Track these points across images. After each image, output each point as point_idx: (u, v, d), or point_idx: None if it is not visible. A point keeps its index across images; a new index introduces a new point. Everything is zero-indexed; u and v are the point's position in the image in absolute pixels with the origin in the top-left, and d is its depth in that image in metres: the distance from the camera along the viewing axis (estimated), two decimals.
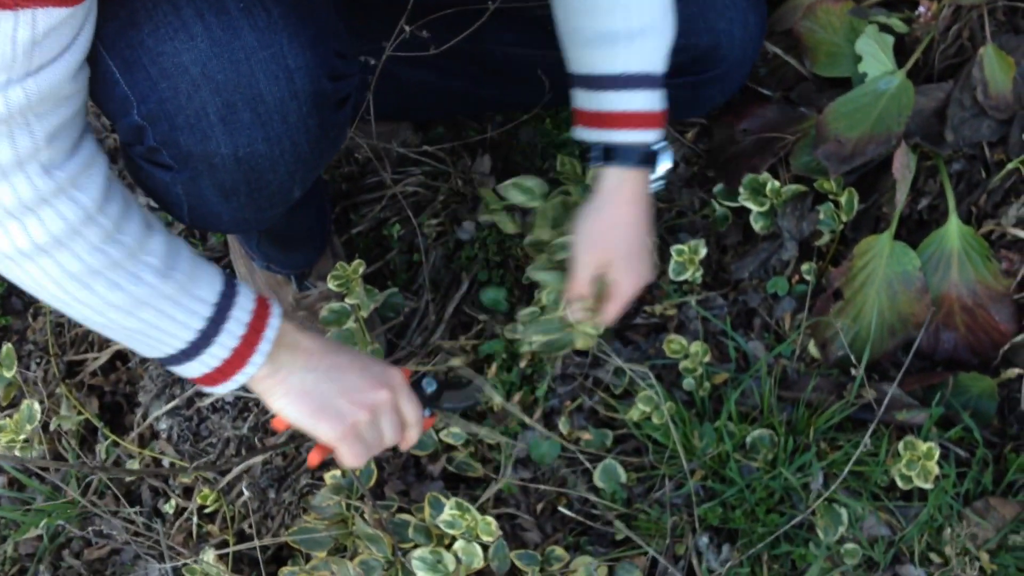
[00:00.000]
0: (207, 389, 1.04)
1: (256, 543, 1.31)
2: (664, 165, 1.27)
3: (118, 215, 0.93)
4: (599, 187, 1.27)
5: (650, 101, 1.24)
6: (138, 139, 0.98)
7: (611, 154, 1.26)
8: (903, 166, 1.30)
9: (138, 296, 0.94)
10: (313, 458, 1.10)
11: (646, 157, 1.25)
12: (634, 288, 1.29)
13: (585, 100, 1.25)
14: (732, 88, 1.46)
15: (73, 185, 0.89)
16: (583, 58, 1.23)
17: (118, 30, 0.94)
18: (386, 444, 1.09)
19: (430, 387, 1.16)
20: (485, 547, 1.25)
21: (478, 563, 1.22)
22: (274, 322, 1.03)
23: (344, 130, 1.13)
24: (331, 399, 1.03)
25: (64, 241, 0.89)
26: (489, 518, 1.21)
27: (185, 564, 1.34)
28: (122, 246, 0.93)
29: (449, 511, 1.22)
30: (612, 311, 1.29)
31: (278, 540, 1.31)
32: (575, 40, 1.24)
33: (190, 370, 1.01)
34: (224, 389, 1.02)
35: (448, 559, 1.22)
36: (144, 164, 1.02)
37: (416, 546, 1.26)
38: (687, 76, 1.37)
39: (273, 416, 1.07)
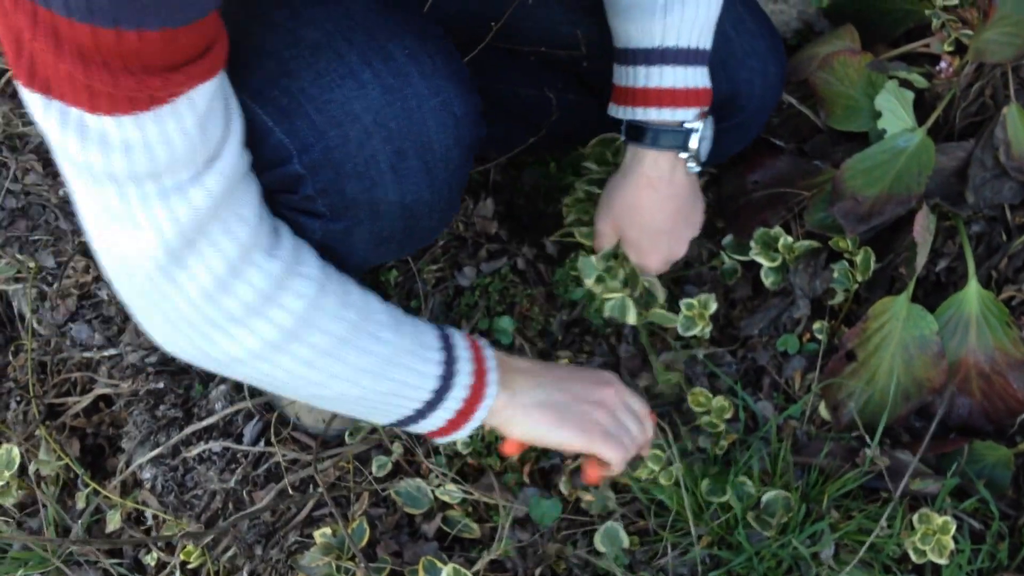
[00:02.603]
0: (446, 439, 1.04)
1: None
2: (693, 143, 1.22)
3: (338, 279, 0.94)
4: (625, 162, 1.27)
5: (684, 77, 1.20)
6: (293, 188, 0.94)
7: (634, 132, 1.24)
8: (924, 229, 1.26)
9: (385, 355, 0.95)
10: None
11: (676, 135, 1.22)
12: (653, 270, 1.33)
13: (617, 75, 1.24)
14: (749, 137, 1.43)
15: (297, 260, 0.89)
16: (616, 29, 1.22)
17: (268, 80, 0.91)
18: (636, 438, 1.12)
19: None
20: None
21: None
22: (488, 351, 1.05)
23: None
24: (569, 407, 1.06)
25: (309, 319, 0.89)
26: None
27: None
28: (355, 308, 0.94)
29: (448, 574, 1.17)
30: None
31: None
32: (610, 10, 1.23)
33: (433, 421, 1.01)
34: (465, 432, 1.03)
35: None
36: (288, 212, 0.98)
37: None
38: None
39: (503, 441, 1.09)
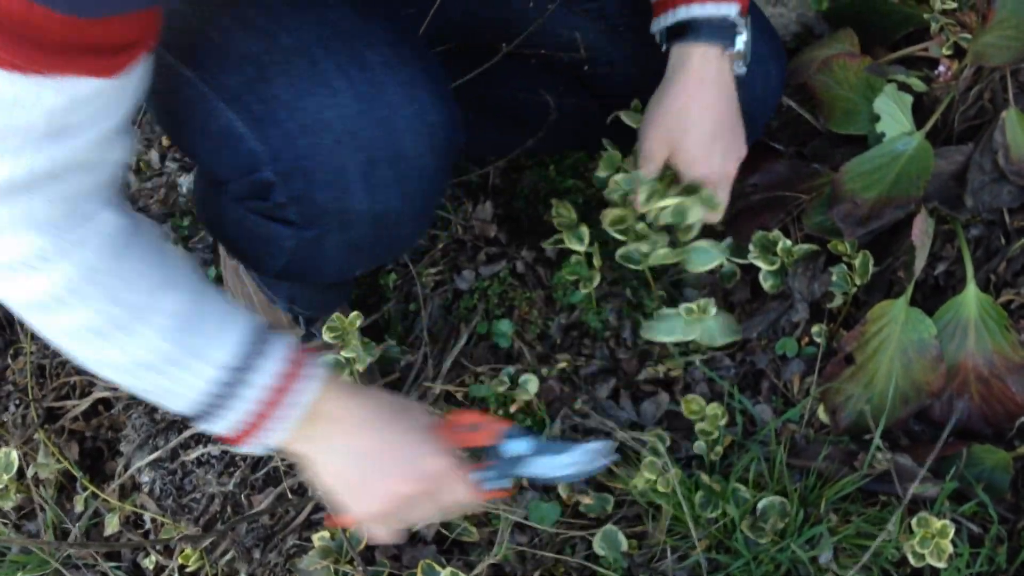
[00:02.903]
0: (232, 448, 0.98)
1: None
2: (742, 37, 1.20)
3: (129, 273, 0.88)
4: (670, 69, 1.20)
5: None
6: (263, 195, 0.94)
7: (681, 31, 1.19)
8: (922, 232, 1.26)
9: (139, 359, 0.89)
10: (330, 522, 1.05)
11: (722, 31, 1.18)
12: (728, 169, 1.23)
13: None
14: (750, 139, 1.42)
15: (81, 244, 0.85)
16: None
17: (244, 85, 0.91)
18: (419, 524, 1.05)
19: (513, 449, 1.03)
20: None
21: None
22: (307, 388, 0.93)
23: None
24: (362, 484, 0.97)
25: (65, 299, 0.85)
26: None
27: None
28: (127, 306, 0.88)
29: None
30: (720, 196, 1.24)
31: None
32: None
33: (212, 427, 0.94)
34: (247, 451, 0.97)
35: None
36: (257, 218, 0.98)
37: None
38: None
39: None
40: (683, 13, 1.18)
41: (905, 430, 1.40)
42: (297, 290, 1.40)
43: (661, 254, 1.33)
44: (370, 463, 0.97)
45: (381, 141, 0.92)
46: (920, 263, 1.28)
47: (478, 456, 1.04)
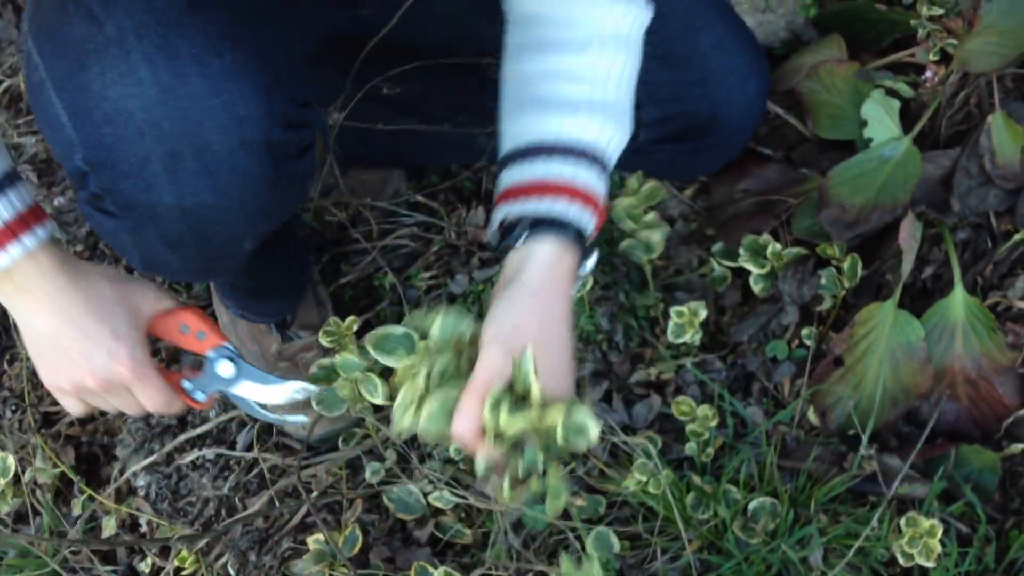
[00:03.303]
0: None
1: None
2: (591, 260, 1.06)
3: None
4: (526, 267, 0.99)
5: (585, 175, 1.03)
6: (82, 184, 0.95)
7: (542, 227, 1.00)
8: (909, 236, 1.28)
9: None
10: None
11: (578, 240, 1.01)
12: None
13: (515, 172, 1.04)
14: (731, 154, 1.43)
15: None
16: (521, 124, 1.07)
17: (68, 71, 0.92)
18: (127, 412, 1.05)
19: (217, 364, 1.05)
20: None
21: None
22: (7, 252, 0.92)
23: (305, 180, 1.09)
24: (44, 361, 1.00)
25: None
26: None
27: None
28: None
29: None
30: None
31: None
32: (517, 110, 1.07)
33: None
34: None
35: None
36: (90, 209, 0.99)
37: None
38: (684, 143, 1.35)
39: None
40: (543, 205, 1.02)
41: (894, 432, 1.41)
42: (240, 299, 1.43)
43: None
44: (51, 346, 0.99)
45: (184, 132, 0.91)
46: (907, 266, 1.29)
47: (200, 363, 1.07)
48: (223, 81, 0.91)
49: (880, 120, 1.37)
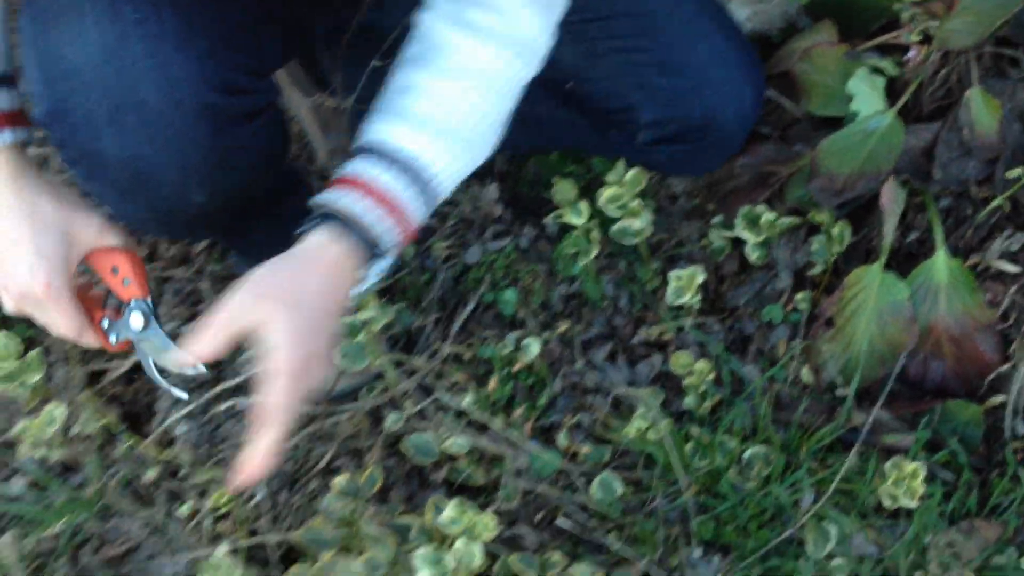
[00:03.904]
0: None
1: (268, 538, 1.36)
2: (374, 265, 1.09)
3: None
4: (304, 242, 1.04)
5: (410, 195, 1.06)
6: (48, 133, 1.06)
7: (332, 219, 1.04)
8: (890, 200, 1.37)
9: None
10: None
11: (369, 243, 1.04)
12: (296, 366, 0.99)
13: (356, 162, 1.08)
14: (727, 154, 1.50)
15: None
16: (374, 125, 1.10)
17: (36, 33, 1.03)
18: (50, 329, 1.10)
19: (131, 313, 1.07)
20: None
21: (477, 562, 1.27)
22: None
23: (260, 143, 1.16)
24: None
25: None
26: (488, 517, 1.26)
27: (199, 561, 1.39)
28: None
29: (450, 510, 1.27)
30: (274, 390, 1.00)
31: (289, 535, 1.36)
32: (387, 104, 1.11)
33: None
34: None
35: (448, 558, 1.27)
36: (62, 156, 1.10)
37: (419, 547, 1.31)
38: (681, 144, 1.42)
39: None
40: (340, 199, 1.06)
41: (884, 389, 1.50)
42: (245, 269, 1.51)
43: None
44: None
45: (123, 89, 1.01)
46: (890, 227, 1.39)
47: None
48: (159, 43, 1.01)
49: (865, 95, 1.46)
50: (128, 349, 1.13)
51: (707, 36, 1.39)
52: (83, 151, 1.06)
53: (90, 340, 1.11)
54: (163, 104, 1.03)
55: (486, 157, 1.15)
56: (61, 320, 1.07)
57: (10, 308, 1.10)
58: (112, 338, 1.11)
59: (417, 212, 1.08)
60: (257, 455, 1.00)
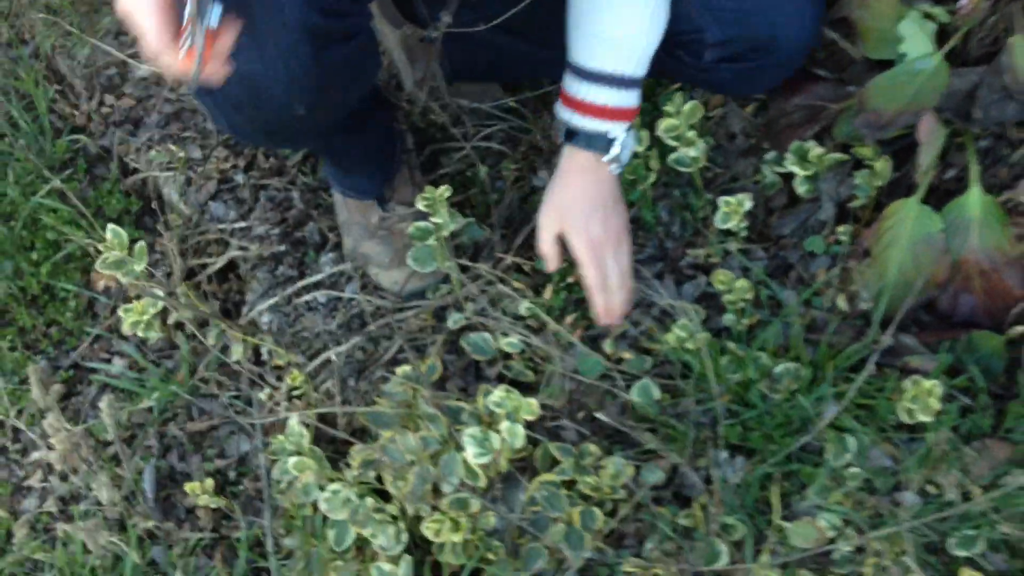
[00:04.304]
0: None
1: (336, 410, 1.52)
2: (615, 150, 1.49)
3: None
4: (560, 162, 1.52)
5: (615, 98, 1.47)
6: None
7: (572, 134, 1.50)
8: (928, 132, 1.45)
9: None
10: None
11: (601, 143, 1.48)
12: (582, 245, 1.50)
13: (566, 83, 1.49)
14: (788, 72, 1.63)
15: None
16: (573, 46, 1.47)
17: None
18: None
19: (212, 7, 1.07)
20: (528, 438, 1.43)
21: (519, 443, 1.40)
22: None
23: (354, 63, 1.32)
24: None
25: None
26: (532, 400, 1.39)
27: (274, 435, 1.55)
28: None
29: (497, 394, 1.41)
30: (584, 271, 1.51)
31: (355, 410, 1.52)
32: (572, 33, 1.47)
33: None
34: None
35: (494, 437, 1.41)
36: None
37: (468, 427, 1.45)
38: (746, 62, 1.56)
39: None
40: (577, 121, 1.49)
41: (915, 320, 1.59)
42: (334, 174, 1.72)
43: None
44: None
45: (239, 15, 1.11)
46: (925, 159, 1.47)
47: None
48: None
49: (915, 38, 1.54)
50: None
51: None
52: None
53: (169, 61, 1.11)
54: (272, 25, 1.19)
55: (664, 28, 1.47)
56: (150, 33, 1.08)
57: (119, 9, 1.12)
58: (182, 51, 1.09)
59: (625, 100, 1.48)
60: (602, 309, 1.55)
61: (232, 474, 1.67)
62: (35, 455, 1.66)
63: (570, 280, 1.64)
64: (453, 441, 1.45)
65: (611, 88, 1.47)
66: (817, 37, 1.62)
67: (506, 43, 1.75)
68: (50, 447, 1.57)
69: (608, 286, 1.53)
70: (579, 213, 1.51)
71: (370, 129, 1.67)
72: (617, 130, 1.49)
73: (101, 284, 1.95)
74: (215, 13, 1.08)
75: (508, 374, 1.58)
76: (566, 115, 1.50)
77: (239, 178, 1.86)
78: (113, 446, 1.69)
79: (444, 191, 1.57)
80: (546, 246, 1.54)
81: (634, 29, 1.44)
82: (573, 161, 1.52)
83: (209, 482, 1.57)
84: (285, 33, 1.19)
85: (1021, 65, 1.48)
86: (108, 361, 1.86)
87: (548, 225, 1.53)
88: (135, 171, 2.02)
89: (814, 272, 1.64)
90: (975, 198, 1.51)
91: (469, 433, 1.42)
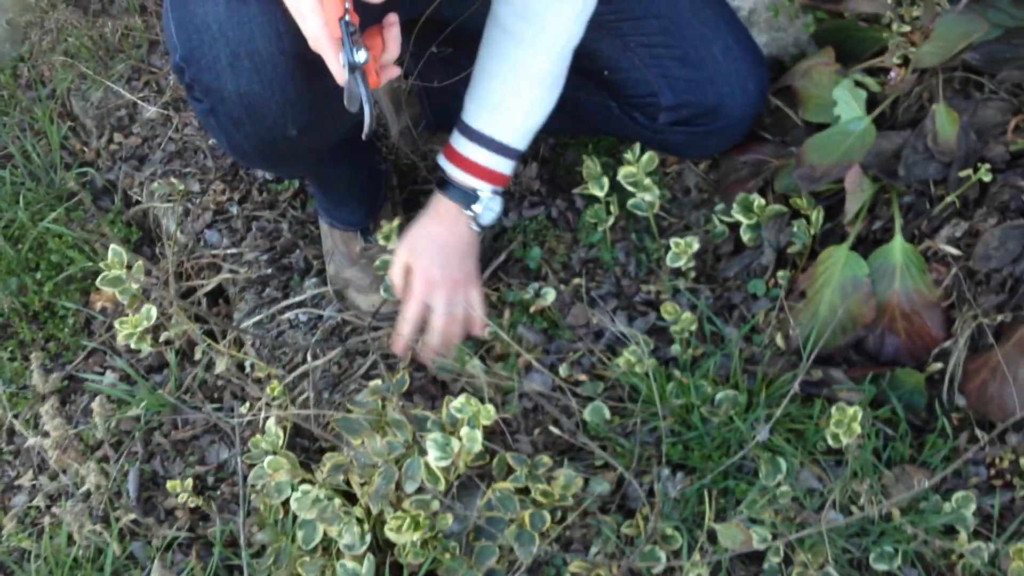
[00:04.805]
0: None
1: (311, 413, 1.65)
2: (477, 208, 1.64)
3: None
4: (428, 203, 1.68)
5: (491, 161, 1.62)
6: (181, 77, 1.38)
7: (444, 183, 1.65)
8: (855, 182, 1.62)
9: None
10: None
11: (466, 198, 1.63)
12: (416, 281, 1.66)
13: (453, 135, 1.65)
14: (735, 138, 1.81)
15: None
16: (466, 104, 1.63)
17: (175, 1, 1.35)
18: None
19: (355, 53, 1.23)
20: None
21: (477, 447, 1.53)
22: None
23: (338, 93, 1.39)
24: None
25: None
26: (489, 406, 1.52)
27: (252, 443, 1.68)
28: None
29: (459, 400, 1.55)
30: (406, 303, 1.67)
31: (328, 413, 1.65)
32: (468, 91, 1.63)
33: None
34: None
35: (454, 443, 1.54)
36: (189, 99, 1.42)
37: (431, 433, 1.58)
38: (695, 126, 1.75)
39: None
40: (450, 170, 1.65)
41: (844, 358, 1.73)
42: (323, 204, 1.88)
43: None
44: None
45: (241, 40, 1.32)
46: (852, 207, 1.64)
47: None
48: (271, 5, 1.31)
49: (848, 102, 1.72)
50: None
51: (721, 37, 1.70)
52: (207, 88, 1.38)
53: (327, 51, 1.26)
54: (271, 51, 1.34)
55: (548, 112, 1.64)
56: (315, 28, 1.25)
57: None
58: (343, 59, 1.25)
59: (499, 166, 1.64)
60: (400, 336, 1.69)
61: (211, 479, 1.79)
62: (29, 441, 1.77)
63: (531, 310, 1.79)
64: (417, 446, 1.58)
65: (488, 151, 1.62)
66: (760, 106, 1.79)
67: None
68: (45, 434, 1.68)
69: (429, 325, 1.68)
70: (425, 253, 1.66)
71: (359, 163, 1.84)
72: (485, 190, 1.64)
73: (99, 305, 2.09)
74: (361, 55, 1.25)
75: (469, 390, 1.71)
76: (443, 163, 1.66)
77: (233, 209, 2.02)
78: (101, 449, 1.81)
79: (396, 223, 1.73)
80: (395, 275, 1.70)
81: (524, 104, 1.60)
82: (438, 206, 1.67)
83: (189, 481, 1.69)
84: (283, 59, 1.35)
85: (942, 130, 1.66)
86: (101, 374, 1.99)
87: (400, 256, 1.69)
88: (137, 203, 2.18)
89: (755, 312, 1.79)
90: (898, 246, 1.67)
91: (432, 438, 1.54)
